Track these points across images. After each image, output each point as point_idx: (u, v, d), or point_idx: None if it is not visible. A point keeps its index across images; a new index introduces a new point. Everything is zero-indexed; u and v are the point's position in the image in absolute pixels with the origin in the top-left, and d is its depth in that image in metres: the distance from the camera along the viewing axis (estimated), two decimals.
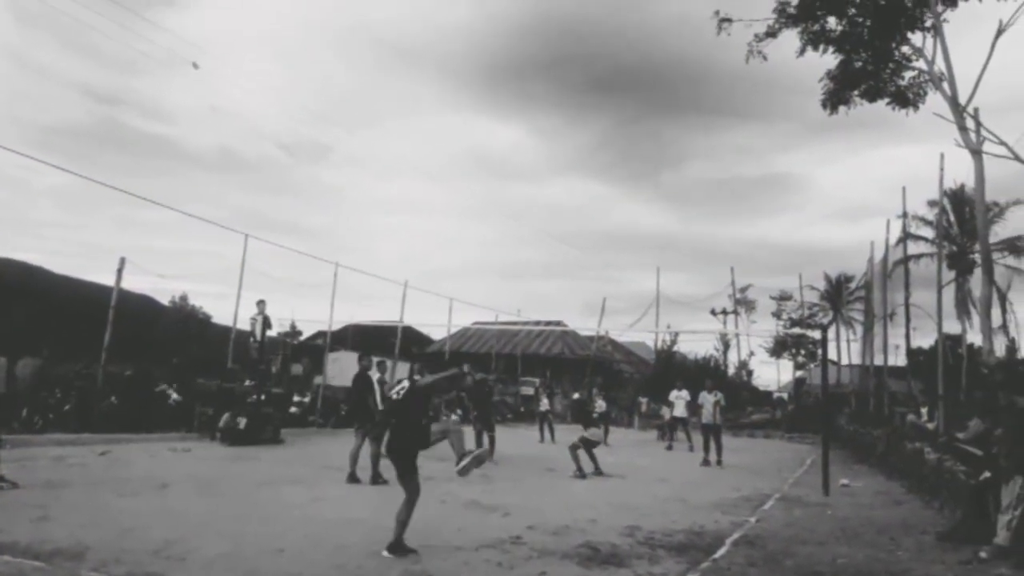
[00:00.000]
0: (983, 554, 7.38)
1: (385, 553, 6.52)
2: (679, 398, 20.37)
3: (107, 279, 18.25)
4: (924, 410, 15.31)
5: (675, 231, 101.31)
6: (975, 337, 23.83)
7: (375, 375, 13.53)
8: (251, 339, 19.24)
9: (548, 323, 43.03)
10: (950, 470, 10.59)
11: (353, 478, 11.16)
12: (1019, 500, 7.38)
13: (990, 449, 8.83)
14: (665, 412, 27.29)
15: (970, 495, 8.65)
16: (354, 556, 6.44)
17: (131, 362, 20.39)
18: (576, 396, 17.95)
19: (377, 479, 11.18)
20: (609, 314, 72.41)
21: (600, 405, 20.08)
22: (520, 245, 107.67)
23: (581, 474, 13.43)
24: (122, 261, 17.88)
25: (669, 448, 21.53)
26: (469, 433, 14.15)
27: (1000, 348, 19.55)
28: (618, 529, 8.27)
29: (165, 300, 40.32)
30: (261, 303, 19.00)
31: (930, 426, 14.46)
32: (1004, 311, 28.60)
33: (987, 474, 8.43)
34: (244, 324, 20.06)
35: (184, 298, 39.24)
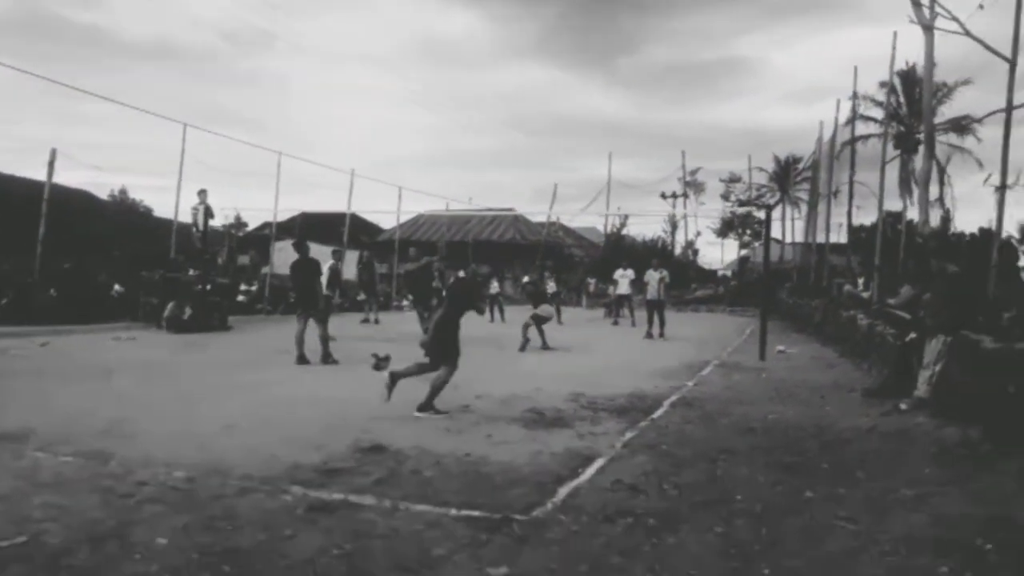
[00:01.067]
0: (903, 406, 7.85)
1: (416, 413, 7.35)
2: (624, 276, 20.79)
3: (41, 174, 17.51)
4: (860, 281, 15.86)
5: (629, 117, 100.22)
6: (914, 214, 24.47)
7: (328, 263, 13.70)
8: (194, 229, 18.85)
9: (500, 210, 42.89)
10: (880, 334, 11.09)
11: (302, 359, 11.21)
12: (939, 356, 7.79)
13: (918, 313, 9.22)
14: (611, 291, 27.90)
15: (896, 355, 9.09)
16: (304, 430, 6.55)
17: (70, 256, 19.87)
18: (526, 280, 18.18)
19: (328, 358, 11.28)
20: (561, 200, 72.44)
21: (550, 286, 20.54)
22: (471, 133, 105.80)
23: (524, 344, 13.95)
24: (53, 153, 17.12)
25: (615, 323, 22.13)
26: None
27: (935, 220, 20.15)
28: (563, 396, 8.54)
29: (104, 195, 39.04)
30: (202, 192, 18.54)
31: (865, 295, 15.02)
32: (941, 184, 29.32)
33: (913, 335, 8.85)
34: (186, 215, 19.63)
35: (123, 192, 38.08)
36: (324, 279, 15.26)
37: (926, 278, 9.25)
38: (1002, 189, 10.36)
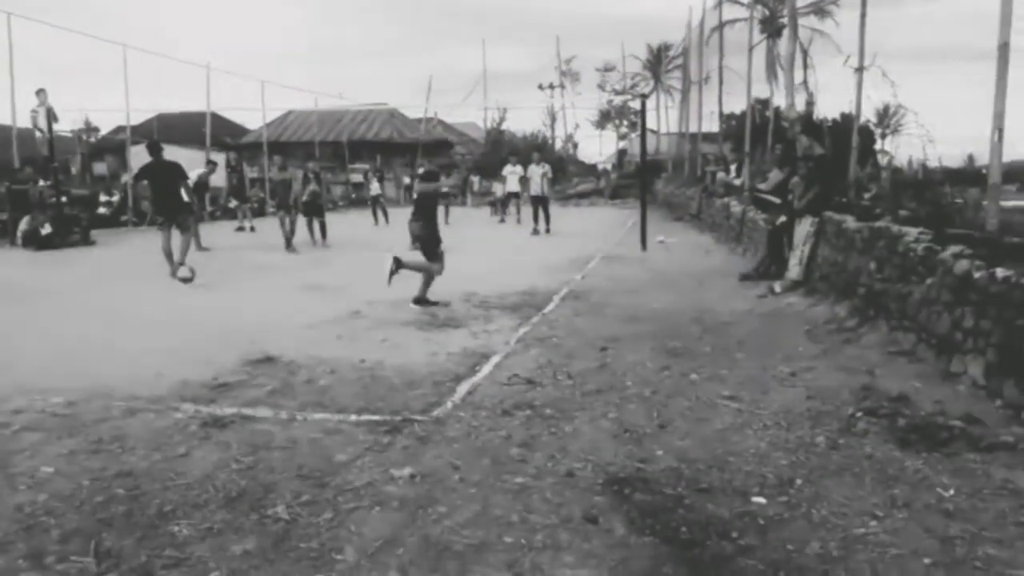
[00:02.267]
0: (777, 288, 8.32)
1: (412, 305, 7.86)
2: (512, 173, 20.50)
3: None
4: (733, 168, 16.39)
5: (502, 1, 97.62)
6: (781, 100, 25.32)
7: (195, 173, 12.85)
8: (37, 134, 17.28)
9: (374, 105, 41.47)
10: (752, 219, 11.61)
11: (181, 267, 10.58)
12: (808, 238, 8.25)
13: (787, 196, 9.67)
14: (497, 188, 27.84)
15: (768, 239, 9.56)
16: (189, 345, 6.31)
17: None
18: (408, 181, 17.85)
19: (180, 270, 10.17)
20: (437, 93, 70.65)
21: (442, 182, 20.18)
22: (336, 21, 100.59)
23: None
24: None
25: (501, 221, 22.19)
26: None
27: (801, 104, 20.89)
28: (456, 296, 8.56)
29: None
30: (41, 93, 16.89)
31: (737, 182, 15.57)
32: (805, 68, 30.38)
33: (783, 218, 9.30)
34: (24, 120, 17.88)
35: None
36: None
37: (793, 162, 9.67)
38: (860, 71, 10.78)
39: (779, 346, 5.93)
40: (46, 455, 3.85)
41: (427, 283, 8.07)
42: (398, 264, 8.05)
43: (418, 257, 8.27)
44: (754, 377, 5.06)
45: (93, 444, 4.00)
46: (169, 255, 10.39)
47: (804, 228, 8.31)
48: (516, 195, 20.56)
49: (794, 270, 8.33)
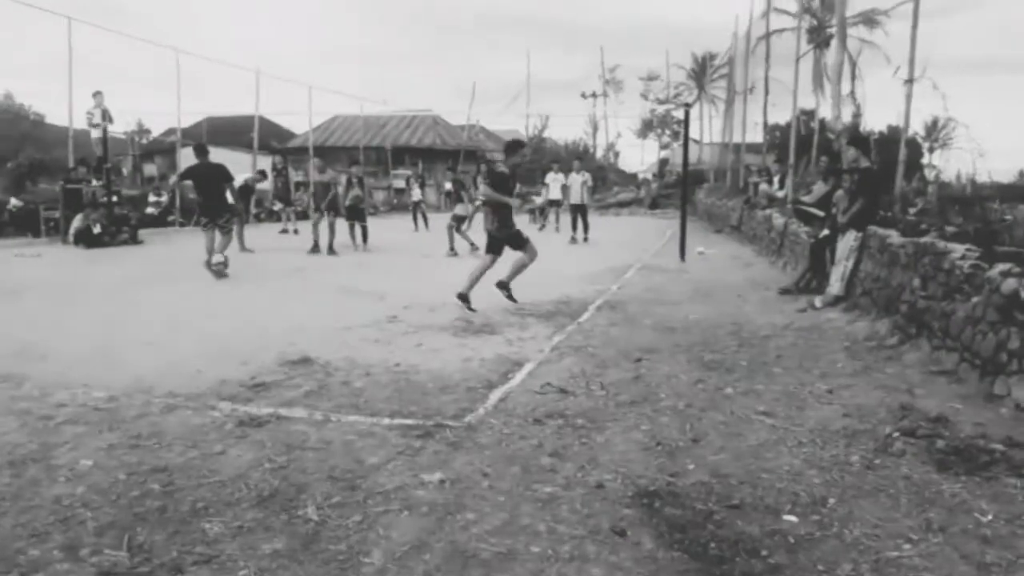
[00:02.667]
0: (817, 302, 8.19)
1: (495, 287, 8.30)
2: (555, 180, 20.26)
3: None
4: (776, 179, 16.21)
5: (545, 10, 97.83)
6: (827, 111, 24.97)
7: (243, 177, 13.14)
8: (92, 134, 17.75)
9: (418, 112, 41.83)
10: (795, 232, 11.45)
11: (221, 272, 10.83)
12: (851, 252, 8.11)
13: (830, 209, 9.53)
14: (536, 198, 27.89)
15: (811, 252, 9.42)
16: (228, 345, 6.42)
17: None
18: (451, 181, 17.70)
19: (211, 265, 10.59)
20: (480, 100, 71.07)
21: (483, 192, 20.25)
22: (383, 27, 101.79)
23: (453, 252, 13.94)
24: None
25: (541, 228, 22.13)
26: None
27: (847, 116, 20.60)
28: (491, 303, 8.55)
29: None
30: (98, 95, 17.35)
31: (780, 194, 15.40)
32: (853, 79, 29.95)
33: (826, 231, 9.17)
34: (81, 121, 18.38)
35: (9, 96, 35.46)
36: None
37: (838, 175, 9.52)
38: (909, 83, 10.59)
39: (817, 362, 5.84)
40: (86, 448, 3.95)
41: (519, 271, 8.45)
42: (503, 286, 8.38)
43: (512, 262, 8.55)
44: (790, 393, 4.98)
45: (132, 439, 4.09)
46: (211, 254, 10.69)
47: (847, 242, 8.17)
48: (558, 203, 20.39)
49: (836, 285, 8.19)
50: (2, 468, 3.66)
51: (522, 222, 26.50)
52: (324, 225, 14.36)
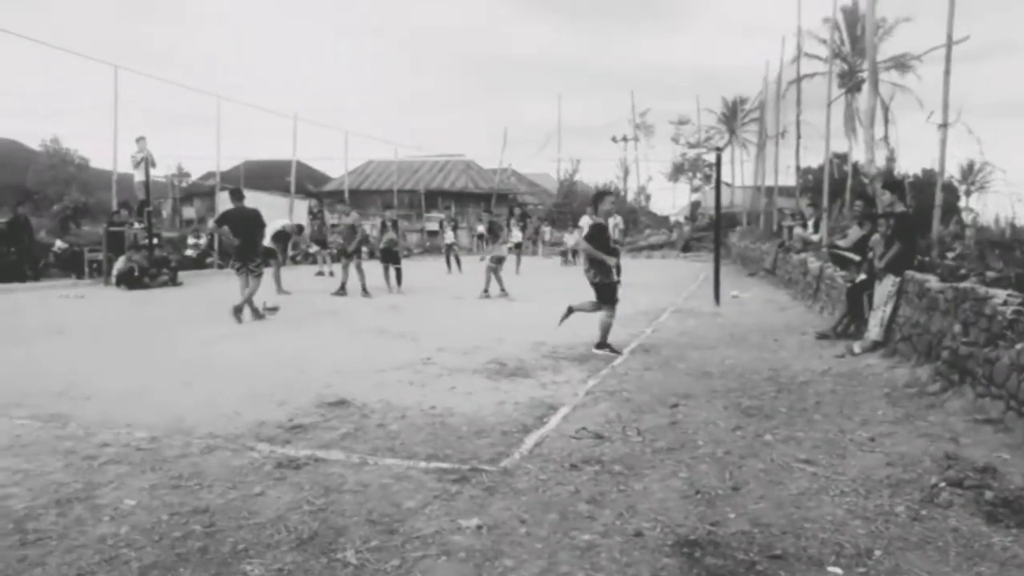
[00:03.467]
0: (856, 348, 8.08)
1: (595, 350, 8.15)
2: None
3: None
4: (810, 223, 16.12)
5: (576, 57, 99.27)
6: (860, 155, 24.89)
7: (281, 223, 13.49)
8: (135, 179, 18.25)
9: (451, 156, 42.43)
10: (830, 276, 11.35)
11: (257, 313, 11.03)
12: (889, 297, 8.01)
13: (866, 254, 9.45)
14: (568, 239, 28.01)
15: (848, 297, 9.32)
16: (265, 386, 6.50)
17: (6, 211, 19.17)
18: (486, 218, 17.83)
19: (238, 312, 10.73)
20: (512, 144, 72.05)
21: (516, 235, 20.45)
22: (417, 75, 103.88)
23: (487, 294, 14.00)
24: None
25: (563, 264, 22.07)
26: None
27: (881, 160, 20.48)
28: (524, 346, 8.61)
29: (35, 144, 37.60)
30: (141, 140, 17.90)
31: (815, 237, 15.30)
32: (886, 123, 29.82)
33: (863, 276, 9.08)
34: (124, 165, 18.94)
35: (56, 141, 36.58)
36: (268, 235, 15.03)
37: (874, 219, 9.46)
38: (944, 127, 10.55)
39: (857, 409, 5.74)
40: (129, 488, 4.00)
41: (606, 330, 8.28)
42: (570, 310, 8.70)
43: (585, 301, 8.62)
44: (831, 440, 4.90)
45: (173, 479, 4.14)
46: (252, 296, 10.87)
47: (885, 287, 8.08)
48: None
49: (874, 330, 8.09)
50: (48, 507, 3.72)
51: (554, 264, 26.71)
52: (353, 267, 14.55)
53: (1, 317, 11.02)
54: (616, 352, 8.15)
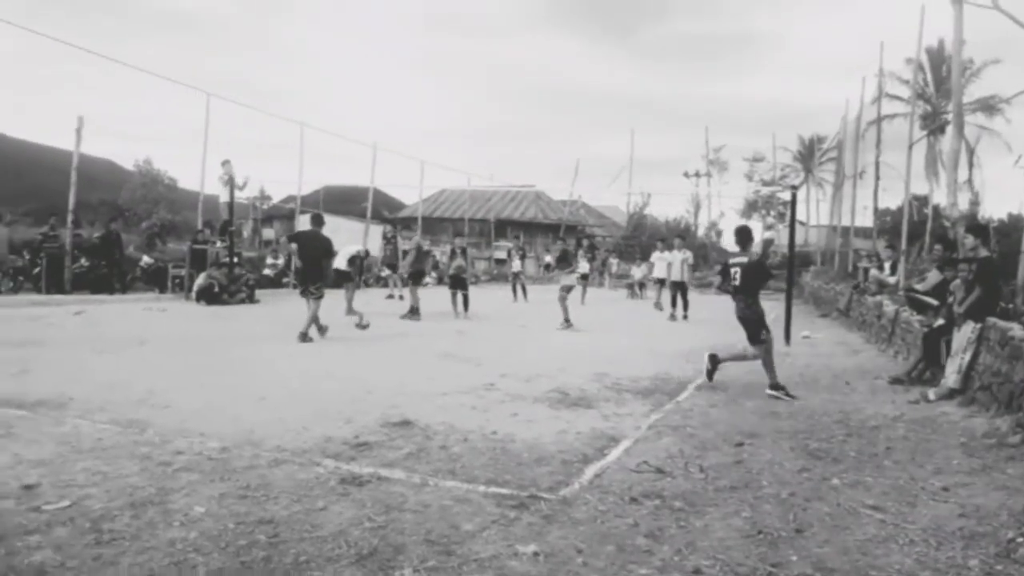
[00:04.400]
0: (931, 395, 7.80)
1: (768, 391, 7.83)
2: (660, 259, 19.33)
3: (67, 143, 17.69)
4: (887, 265, 15.68)
5: (651, 92, 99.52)
6: (941, 198, 24.19)
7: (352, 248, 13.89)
8: (221, 200, 18.99)
9: (521, 187, 42.83)
10: (906, 320, 11.01)
11: (322, 331, 11.28)
12: (969, 344, 7.72)
13: (945, 298, 9.14)
14: (635, 271, 27.85)
15: (924, 342, 9.02)
16: (333, 404, 6.65)
17: (99, 226, 20.19)
18: (559, 246, 17.70)
19: (304, 338, 10.90)
20: (582, 177, 72.29)
21: (583, 267, 20.41)
22: (492, 107, 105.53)
23: (568, 323, 14.08)
24: (80, 120, 17.27)
25: (672, 318, 20.46)
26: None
27: (964, 204, 19.85)
28: (587, 376, 8.59)
29: (129, 165, 39.48)
30: (227, 163, 18.64)
31: (891, 280, 14.87)
32: (971, 166, 28.87)
33: (941, 321, 8.78)
34: (210, 187, 19.75)
35: (148, 162, 38.33)
36: (344, 259, 15.43)
37: (954, 264, 9.16)
38: None
39: (931, 457, 5.54)
40: (199, 495, 4.15)
41: (770, 367, 8.06)
42: (714, 361, 8.40)
43: (734, 348, 8.39)
44: (902, 488, 4.74)
45: (241, 489, 4.27)
46: (315, 319, 11.15)
47: (965, 333, 7.80)
48: (662, 281, 19.47)
49: (951, 377, 7.80)
50: (123, 509, 3.89)
51: (620, 296, 26.55)
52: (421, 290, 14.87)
53: (89, 327, 11.56)
54: (792, 396, 7.75)
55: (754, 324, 8.22)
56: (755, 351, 8.19)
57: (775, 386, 7.91)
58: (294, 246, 11.85)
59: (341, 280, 15.60)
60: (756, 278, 8.34)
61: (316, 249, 11.40)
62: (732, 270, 8.46)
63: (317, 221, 11.83)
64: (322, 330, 11.30)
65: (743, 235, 9.00)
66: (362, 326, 11.84)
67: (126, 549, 3.41)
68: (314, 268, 11.39)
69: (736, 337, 13.85)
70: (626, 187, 42.97)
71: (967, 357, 7.72)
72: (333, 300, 15.07)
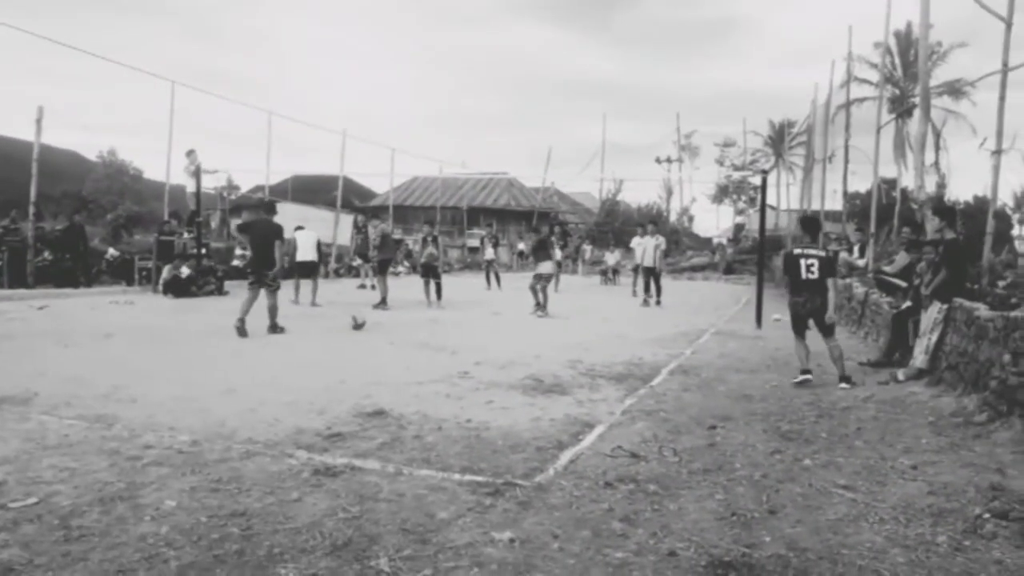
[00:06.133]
0: (900, 375, 7.91)
1: (841, 384, 7.55)
2: (639, 245, 18.56)
3: (27, 134, 17.28)
4: (856, 248, 15.87)
5: (623, 77, 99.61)
6: (909, 181, 24.52)
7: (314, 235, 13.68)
8: (187, 190, 18.73)
9: (494, 174, 42.73)
10: (875, 302, 11.15)
11: (241, 330, 10.37)
12: (936, 325, 7.84)
13: (913, 280, 9.27)
14: (608, 258, 27.95)
15: (893, 323, 9.14)
16: (305, 395, 6.58)
17: (62, 219, 19.81)
18: (534, 237, 17.42)
19: (274, 329, 10.76)
20: (555, 164, 72.21)
21: (556, 253, 20.31)
22: (464, 95, 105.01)
23: (542, 311, 13.95)
24: (40, 110, 16.86)
25: (646, 303, 20.31)
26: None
27: (931, 186, 20.13)
28: (561, 363, 8.60)
29: (92, 156, 38.78)
30: (191, 153, 18.37)
31: (860, 263, 15.06)
32: (937, 149, 29.28)
33: (909, 303, 8.90)
34: (176, 177, 19.48)
35: (112, 153, 37.69)
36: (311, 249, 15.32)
37: (920, 246, 9.28)
38: (997, 153, 10.35)
39: (900, 436, 5.62)
40: (171, 489, 4.09)
41: (839, 360, 7.79)
42: (846, 380, 7.69)
43: (833, 355, 7.87)
44: (872, 467, 4.81)
45: (213, 483, 4.22)
46: (246, 309, 10.56)
47: (932, 314, 7.91)
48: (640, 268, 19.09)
49: (919, 358, 7.92)
50: (92, 505, 3.82)
51: (593, 282, 26.65)
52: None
53: (54, 321, 11.34)
54: (854, 383, 7.59)
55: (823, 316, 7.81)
56: (835, 342, 7.93)
57: (845, 379, 7.70)
58: (246, 237, 11.45)
59: (309, 271, 15.48)
60: (830, 272, 7.89)
61: (267, 237, 10.93)
62: (807, 261, 7.77)
63: (268, 209, 11.51)
64: (276, 329, 10.80)
65: (814, 225, 8.67)
66: (357, 327, 11.26)
67: (96, 545, 3.35)
68: (267, 254, 10.89)
69: (707, 320, 14.01)
70: (599, 173, 43.06)
71: (934, 338, 7.83)
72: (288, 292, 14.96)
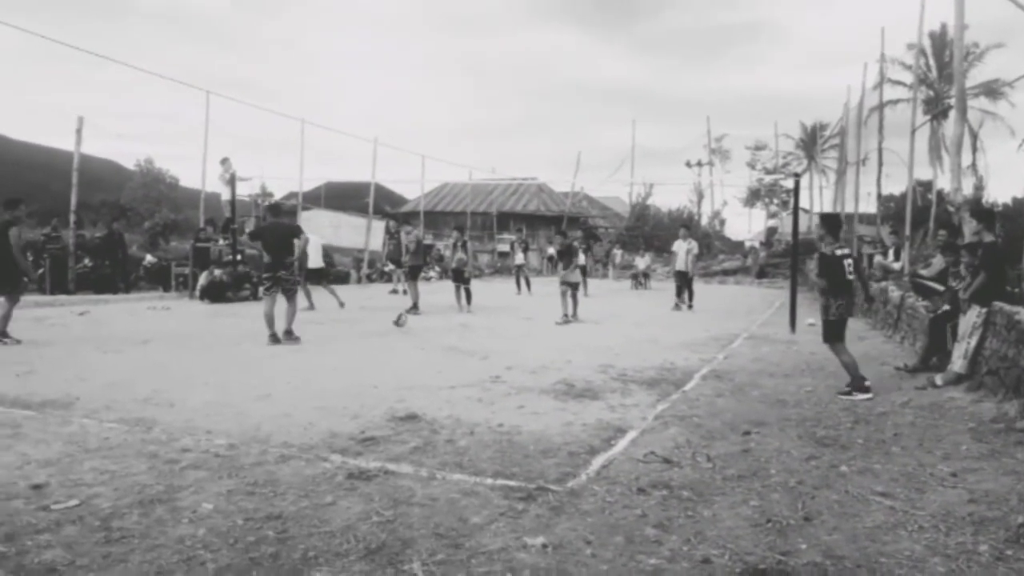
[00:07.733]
0: (938, 380, 7.77)
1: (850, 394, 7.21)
2: (680, 248, 17.95)
3: (67, 144, 17.68)
4: (891, 251, 15.63)
5: (653, 82, 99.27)
6: (944, 183, 24.08)
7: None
8: (223, 198, 19.01)
9: (523, 179, 42.76)
10: (912, 306, 10.97)
11: (274, 339, 10.27)
12: (974, 329, 7.69)
13: (950, 284, 9.10)
14: (639, 262, 27.85)
15: (930, 327, 8.99)
16: (339, 399, 6.65)
17: (101, 226, 20.23)
18: (561, 242, 17.19)
19: (289, 336, 10.44)
20: (584, 169, 72.21)
21: (580, 259, 20.23)
22: (494, 101, 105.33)
23: (566, 319, 13.84)
24: (80, 120, 17.28)
25: (677, 307, 19.87)
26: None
27: (968, 188, 19.76)
28: (593, 368, 8.58)
29: (130, 164, 39.52)
30: (225, 161, 18.65)
31: (896, 266, 14.82)
32: (974, 151, 28.74)
33: (946, 307, 8.75)
34: (211, 184, 19.78)
35: (149, 161, 38.36)
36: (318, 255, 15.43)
37: (959, 248, 9.12)
38: None
39: (939, 443, 5.52)
40: (207, 492, 4.15)
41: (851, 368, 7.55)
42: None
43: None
44: (910, 474, 4.73)
45: (249, 486, 4.27)
46: (271, 320, 10.28)
47: (970, 318, 7.76)
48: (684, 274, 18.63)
49: (958, 363, 7.77)
50: (132, 507, 3.89)
51: (624, 287, 26.52)
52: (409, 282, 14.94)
53: (94, 326, 11.57)
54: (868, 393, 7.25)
55: (833, 326, 7.68)
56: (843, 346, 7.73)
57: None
58: (259, 243, 11.04)
59: (319, 277, 15.62)
60: (859, 271, 7.83)
61: (285, 237, 10.47)
62: (847, 262, 7.60)
63: (275, 211, 11.16)
64: (291, 337, 10.45)
65: (838, 223, 8.41)
66: (398, 325, 11.96)
67: (135, 547, 3.41)
68: (284, 257, 10.38)
69: (740, 324, 13.87)
70: (628, 177, 42.91)
71: (973, 342, 7.69)
72: (322, 300, 15.11)
